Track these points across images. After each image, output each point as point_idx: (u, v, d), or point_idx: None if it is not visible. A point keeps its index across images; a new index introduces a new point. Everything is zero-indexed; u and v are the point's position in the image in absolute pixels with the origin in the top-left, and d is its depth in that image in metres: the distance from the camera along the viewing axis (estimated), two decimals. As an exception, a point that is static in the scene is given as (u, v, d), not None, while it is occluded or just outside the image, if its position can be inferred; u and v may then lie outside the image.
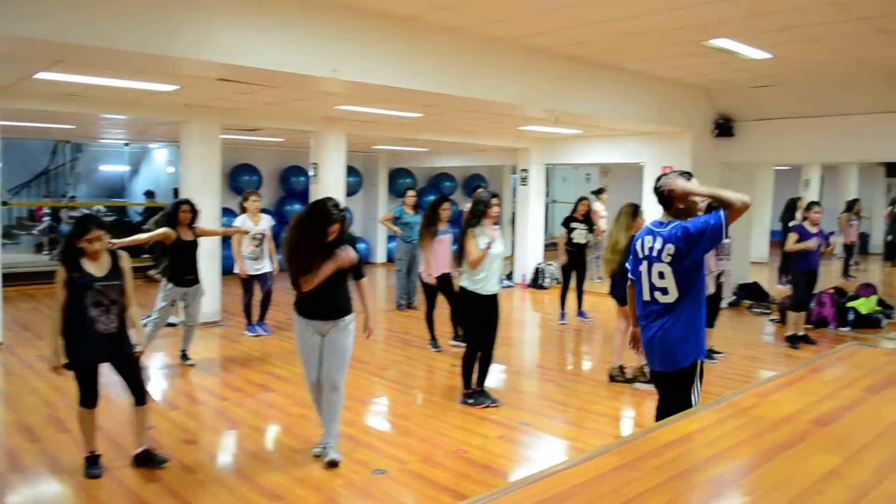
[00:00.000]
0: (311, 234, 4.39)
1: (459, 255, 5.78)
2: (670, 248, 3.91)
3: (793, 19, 6.21)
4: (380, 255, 16.23)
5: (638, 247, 4.12)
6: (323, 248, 4.38)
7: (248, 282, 8.35)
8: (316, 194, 10.46)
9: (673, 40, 7.08)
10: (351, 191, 15.77)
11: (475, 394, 5.90)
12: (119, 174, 16.58)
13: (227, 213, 13.61)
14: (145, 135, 12.28)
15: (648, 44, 7.21)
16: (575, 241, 9.45)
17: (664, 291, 4.02)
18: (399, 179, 16.37)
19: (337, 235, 4.43)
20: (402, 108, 8.83)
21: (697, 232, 3.82)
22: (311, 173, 10.55)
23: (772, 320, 10.01)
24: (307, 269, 4.36)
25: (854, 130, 9.50)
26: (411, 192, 10.04)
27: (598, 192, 13.50)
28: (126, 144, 15.15)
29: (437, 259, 7.67)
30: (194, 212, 6.97)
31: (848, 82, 9.00)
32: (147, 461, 4.56)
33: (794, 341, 8.28)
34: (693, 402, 4.06)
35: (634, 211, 6.53)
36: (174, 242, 6.72)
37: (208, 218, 8.68)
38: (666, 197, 4.04)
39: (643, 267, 4.08)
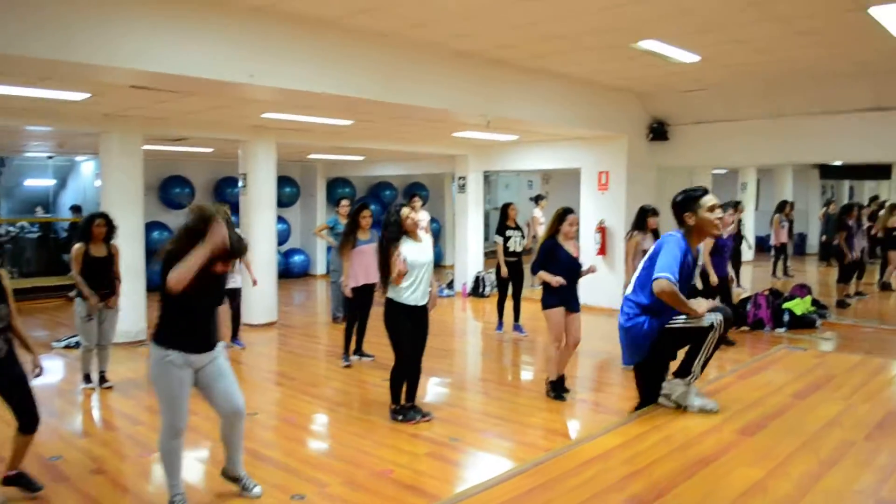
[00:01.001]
0: (192, 239, 3.67)
1: (384, 271, 5.51)
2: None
3: (716, 19, 6.18)
4: (319, 267, 15.92)
5: None
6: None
7: None
8: (246, 206, 10.15)
9: (601, 43, 7.01)
10: (288, 201, 15.48)
11: (405, 409, 5.67)
12: (44, 188, 15.93)
13: (159, 226, 13.19)
14: (67, 147, 11.78)
15: (577, 47, 7.13)
16: (511, 249, 9.14)
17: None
18: (338, 189, 16.08)
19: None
20: (330, 116, 8.60)
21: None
22: (240, 184, 10.22)
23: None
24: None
25: (785, 133, 9.60)
26: (345, 202, 9.79)
27: (536, 199, 13.44)
28: (49, 157, 14.56)
29: (357, 270, 7.37)
30: (110, 226, 6.57)
31: (776, 85, 9.07)
32: (18, 483, 4.24)
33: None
34: None
35: (561, 216, 6.15)
36: (84, 258, 6.37)
37: (131, 234, 8.31)
38: (678, 211, 4.07)
39: None
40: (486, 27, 6.39)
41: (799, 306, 9.55)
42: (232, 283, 7.98)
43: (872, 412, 3.74)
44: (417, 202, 11.55)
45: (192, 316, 3.84)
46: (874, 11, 5.84)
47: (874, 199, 18.04)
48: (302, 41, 6.09)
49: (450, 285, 13.34)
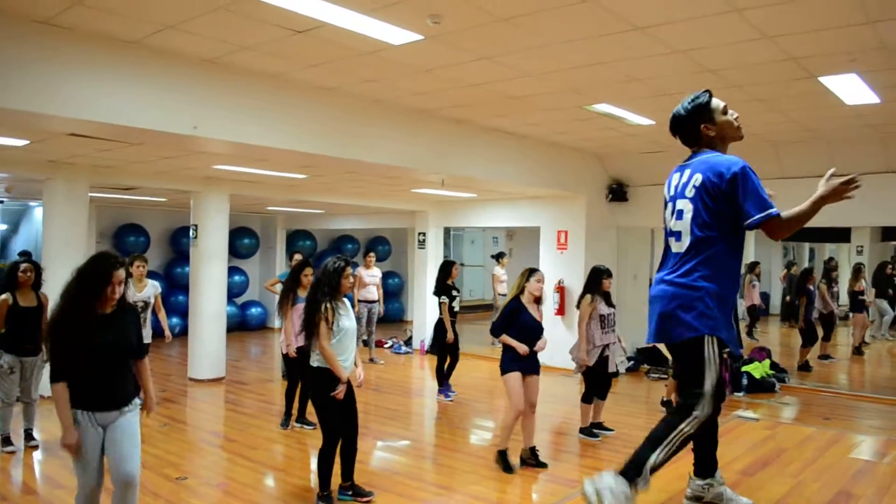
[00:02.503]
0: (85, 293, 3.51)
1: (309, 332, 4.93)
2: (697, 178, 3.33)
3: (667, 86, 6.19)
4: (276, 321, 15.53)
5: (664, 192, 3.62)
6: (97, 317, 3.54)
7: None
8: (196, 257, 9.90)
9: (555, 105, 7.00)
10: (247, 252, 15.24)
11: (332, 496, 5.02)
12: (-7, 233, 15.53)
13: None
14: (14, 192, 11.49)
15: (531, 107, 7.11)
16: (456, 309, 8.82)
17: (678, 236, 3.40)
18: (298, 242, 15.89)
19: (119, 297, 3.63)
20: (282, 169, 8.46)
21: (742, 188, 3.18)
22: (191, 235, 9.97)
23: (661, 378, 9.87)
24: (79, 342, 3.47)
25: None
26: (297, 256, 9.59)
27: (498, 257, 13.34)
28: (0, 202, 14.22)
29: (298, 329, 7.00)
30: (38, 273, 6.24)
31: (733, 149, 9.09)
32: None
33: (669, 406, 8.07)
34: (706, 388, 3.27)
35: (528, 275, 5.96)
36: (10, 308, 6.03)
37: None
38: (692, 126, 3.52)
39: (667, 212, 3.53)
40: (440, 86, 6.34)
41: (758, 370, 9.44)
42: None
43: (822, 492, 3.59)
44: (372, 258, 11.42)
45: (93, 370, 3.54)
46: (825, 80, 5.89)
47: (829, 261, 18.19)
48: (250, 94, 5.98)
49: (408, 342, 13.09)
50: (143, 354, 3.96)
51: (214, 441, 6.93)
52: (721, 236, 3.27)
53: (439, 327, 8.84)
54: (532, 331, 5.87)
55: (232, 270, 14.43)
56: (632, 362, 10.63)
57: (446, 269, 8.92)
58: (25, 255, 13.63)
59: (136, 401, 3.78)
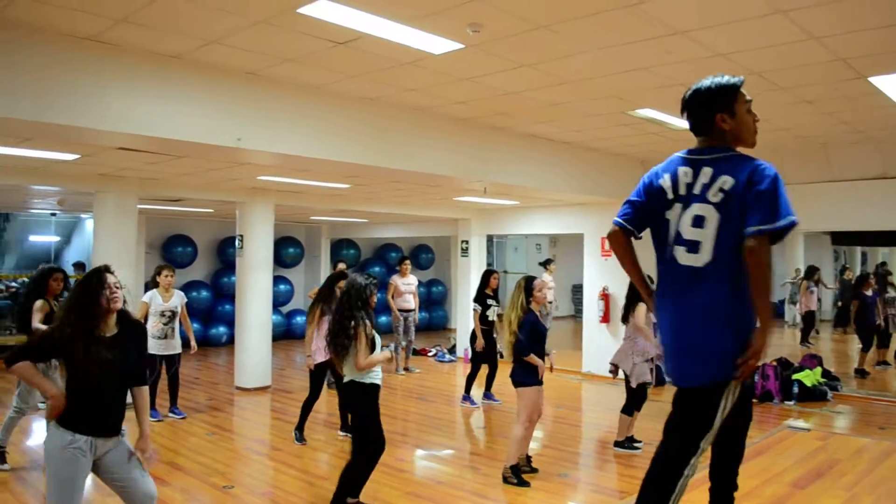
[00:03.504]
0: (83, 308, 3.39)
1: (340, 347, 4.77)
2: (727, 181, 2.79)
3: (713, 89, 6.08)
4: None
5: (666, 186, 3.02)
6: (94, 336, 3.40)
7: (152, 362, 7.72)
8: (242, 267, 10.04)
9: (595, 111, 6.95)
10: (292, 262, 15.41)
11: None
12: (47, 245, 15.94)
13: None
14: (66, 205, 11.79)
15: (571, 114, 7.06)
16: (490, 318, 8.77)
17: (692, 247, 2.85)
18: (342, 251, 16.02)
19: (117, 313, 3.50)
20: (325, 179, 8.54)
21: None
22: (237, 245, 10.12)
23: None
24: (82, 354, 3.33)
25: (792, 200, 9.39)
26: (341, 265, 9.68)
27: (545, 264, 13.27)
28: (53, 214, 14.61)
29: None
30: (67, 282, 6.38)
31: (780, 152, 8.94)
32: None
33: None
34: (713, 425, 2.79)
35: (528, 286, 5.84)
36: (48, 314, 6.12)
37: (125, 294, 8.14)
38: (707, 111, 2.98)
39: (671, 213, 2.97)
40: (480, 94, 6.33)
41: (809, 378, 9.21)
42: (170, 350, 7.79)
43: (874, 506, 3.47)
44: (407, 266, 11.38)
45: (90, 398, 3.38)
46: (875, 80, 5.74)
47: (882, 265, 17.71)
48: (292, 106, 6.05)
49: (451, 350, 13.08)
50: (145, 381, 3.72)
51: (260, 450, 7.00)
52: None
53: (473, 335, 8.85)
54: (544, 337, 5.87)
55: (277, 279, 14.59)
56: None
57: (485, 278, 8.93)
58: (80, 266, 14.02)
59: (124, 429, 3.58)
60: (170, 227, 13.85)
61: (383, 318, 14.59)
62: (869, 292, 10.91)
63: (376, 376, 4.90)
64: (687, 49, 5.02)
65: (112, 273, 3.57)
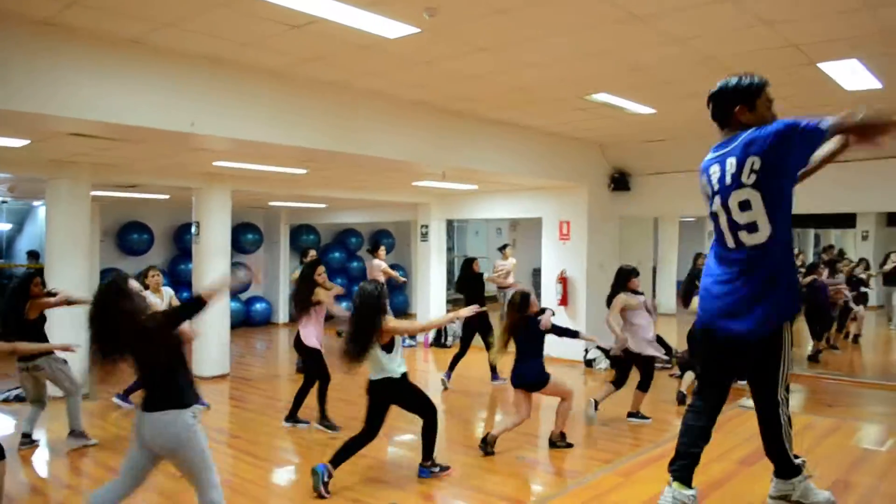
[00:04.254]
0: None
1: (361, 354, 5.18)
2: (754, 161, 3.06)
3: (668, 75, 6.17)
4: (281, 315, 15.63)
5: (705, 183, 3.36)
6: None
7: None
8: (199, 254, 9.92)
9: (555, 95, 6.98)
10: (251, 248, 15.25)
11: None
12: (-2, 233, 15.60)
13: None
14: (17, 192, 11.51)
15: (531, 98, 7.09)
16: None
17: (750, 228, 3.13)
18: (302, 236, 15.91)
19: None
20: (282, 164, 8.46)
21: (789, 127, 2.97)
22: (193, 232, 10.00)
23: (671, 375, 9.84)
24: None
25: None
26: (312, 252, 9.67)
27: (501, 248, 13.34)
28: (4, 202, 14.26)
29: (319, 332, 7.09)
30: (44, 285, 6.36)
31: (735, 137, 9.07)
32: None
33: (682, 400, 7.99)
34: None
35: (523, 302, 6.19)
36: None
37: (80, 282, 8.03)
38: (728, 104, 3.24)
39: (716, 205, 3.26)
40: (438, 78, 6.32)
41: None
42: None
43: (819, 481, 3.57)
44: (382, 251, 11.49)
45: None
46: (823, 66, 5.86)
47: (826, 249, 18.07)
48: (247, 90, 5.98)
49: (412, 336, 13.10)
50: None
51: (219, 438, 6.93)
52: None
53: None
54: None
55: (236, 266, 14.47)
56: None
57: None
58: (34, 255, 13.72)
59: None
60: (125, 214, 13.60)
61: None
62: (819, 278, 11.15)
63: (403, 365, 5.37)
64: (644, 35, 5.08)
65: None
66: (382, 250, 11.68)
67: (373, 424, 5.29)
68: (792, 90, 6.73)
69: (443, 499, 5.13)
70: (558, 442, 6.23)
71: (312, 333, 6.97)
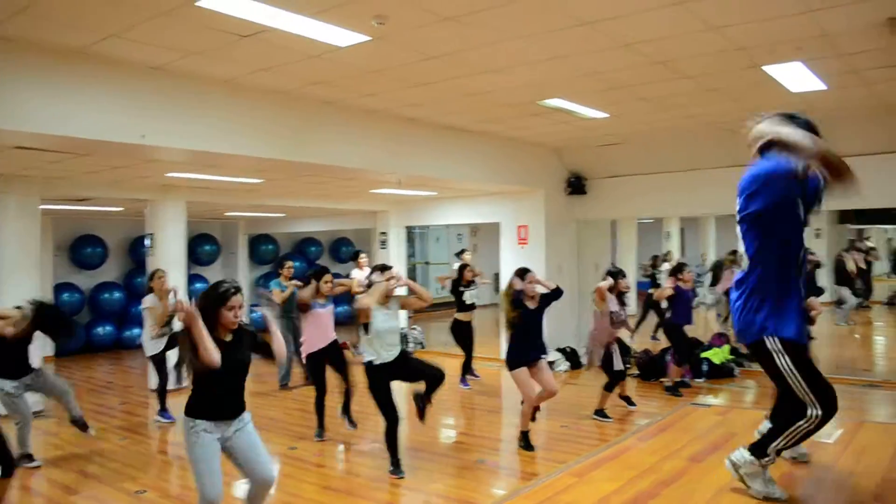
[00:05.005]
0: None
1: None
2: (738, 201, 3.51)
3: (620, 79, 6.26)
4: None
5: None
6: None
7: (159, 363, 7.71)
8: (153, 266, 9.75)
9: (508, 101, 7.04)
10: (208, 259, 15.09)
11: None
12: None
13: (69, 288, 12.67)
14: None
15: (484, 104, 7.14)
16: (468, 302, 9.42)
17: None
18: (260, 246, 15.78)
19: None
20: (236, 174, 8.39)
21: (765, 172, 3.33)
22: (146, 244, 9.86)
23: (630, 375, 9.95)
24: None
25: (701, 184, 9.73)
26: (289, 264, 9.55)
27: (458, 255, 13.37)
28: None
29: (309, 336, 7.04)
30: None
31: (689, 138, 9.24)
32: None
33: (674, 390, 8.45)
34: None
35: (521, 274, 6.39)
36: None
37: (32, 298, 7.83)
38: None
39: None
40: (391, 86, 6.34)
41: (717, 356, 9.57)
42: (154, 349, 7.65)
43: (771, 471, 3.65)
44: (364, 258, 11.46)
45: (217, 388, 3.79)
46: (768, 69, 6.00)
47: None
48: (199, 100, 5.94)
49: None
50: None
51: (176, 452, 6.85)
52: None
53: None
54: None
55: (193, 278, 14.29)
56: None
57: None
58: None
59: (247, 415, 3.97)
60: (78, 228, 13.34)
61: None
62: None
63: (376, 353, 5.57)
64: (594, 40, 5.14)
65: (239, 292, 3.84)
66: (363, 258, 11.57)
67: (384, 411, 5.56)
68: (741, 92, 6.87)
69: (402, 505, 5.14)
70: (520, 443, 6.30)
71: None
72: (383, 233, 13.08)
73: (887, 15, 4.67)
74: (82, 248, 13.28)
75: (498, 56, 5.50)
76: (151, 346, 7.66)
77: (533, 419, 6.44)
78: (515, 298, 6.26)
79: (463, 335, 9.39)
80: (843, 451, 4.10)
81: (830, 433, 4.51)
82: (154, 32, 4.75)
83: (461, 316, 9.36)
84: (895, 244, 21.53)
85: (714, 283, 15.19)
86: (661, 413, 6.50)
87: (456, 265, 12.64)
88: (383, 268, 6.41)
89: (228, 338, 3.83)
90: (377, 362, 5.55)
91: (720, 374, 9.35)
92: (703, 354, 9.51)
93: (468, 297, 9.40)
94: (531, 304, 6.28)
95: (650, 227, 18.29)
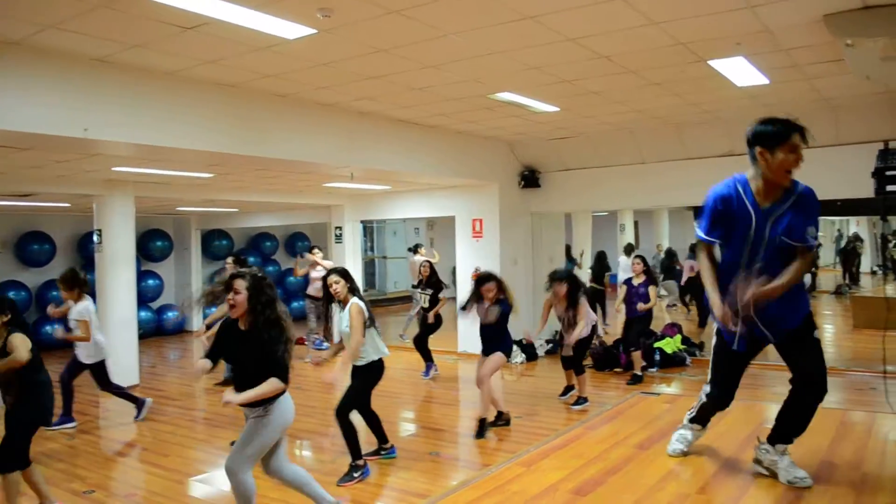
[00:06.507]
0: None
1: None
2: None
3: (566, 73, 6.30)
4: (195, 323, 15.20)
5: None
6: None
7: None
8: (102, 263, 9.60)
9: (458, 94, 7.04)
10: (160, 255, 14.85)
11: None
12: None
13: (15, 286, 12.35)
14: None
15: (435, 98, 7.14)
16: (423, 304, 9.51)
17: None
18: (214, 242, 15.56)
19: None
20: (185, 169, 8.27)
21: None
22: (95, 240, 9.67)
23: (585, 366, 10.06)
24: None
25: (651, 178, 9.89)
26: (229, 260, 9.44)
27: (413, 249, 13.38)
28: None
29: None
30: None
31: (639, 132, 9.36)
32: None
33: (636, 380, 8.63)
34: None
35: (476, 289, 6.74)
36: None
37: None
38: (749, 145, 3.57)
39: None
40: (340, 79, 6.30)
41: (669, 345, 9.73)
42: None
43: (710, 462, 3.73)
44: (317, 253, 11.41)
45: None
46: (714, 64, 6.09)
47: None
48: (144, 93, 5.83)
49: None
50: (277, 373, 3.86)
51: (126, 451, 6.75)
52: None
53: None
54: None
55: (145, 274, 14.07)
56: (550, 345, 10.80)
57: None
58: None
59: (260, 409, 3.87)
60: (24, 224, 13.00)
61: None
62: (677, 267, 11.63)
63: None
64: (538, 34, 5.16)
65: (242, 278, 3.83)
66: (316, 253, 11.59)
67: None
68: (687, 87, 6.98)
69: (354, 498, 5.13)
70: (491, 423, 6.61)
71: None
72: (338, 227, 13.01)
73: (824, 12, 4.78)
74: (28, 245, 12.95)
75: (443, 50, 5.49)
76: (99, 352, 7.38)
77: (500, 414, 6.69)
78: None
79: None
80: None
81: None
82: (93, 24, 4.64)
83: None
84: (843, 236, 22.11)
85: (667, 274, 15.48)
86: (609, 402, 6.60)
87: (414, 256, 12.67)
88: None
89: (243, 327, 3.87)
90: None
91: (672, 363, 9.50)
92: (656, 344, 9.65)
93: (421, 298, 9.46)
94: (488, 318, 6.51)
95: (605, 219, 18.48)
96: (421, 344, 9.43)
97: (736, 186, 3.48)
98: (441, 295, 9.44)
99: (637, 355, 8.84)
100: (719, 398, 3.68)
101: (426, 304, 9.40)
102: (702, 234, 3.42)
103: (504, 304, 6.56)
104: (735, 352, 3.55)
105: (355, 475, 5.36)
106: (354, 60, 5.71)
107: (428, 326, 9.42)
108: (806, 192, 3.46)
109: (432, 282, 9.56)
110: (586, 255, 15.76)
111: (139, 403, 7.64)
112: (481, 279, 6.74)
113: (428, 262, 9.86)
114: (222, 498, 5.36)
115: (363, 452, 5.57)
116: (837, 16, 4.82)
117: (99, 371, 7.39)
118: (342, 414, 5.43)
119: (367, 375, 5.56)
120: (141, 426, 7.61)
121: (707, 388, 3.73)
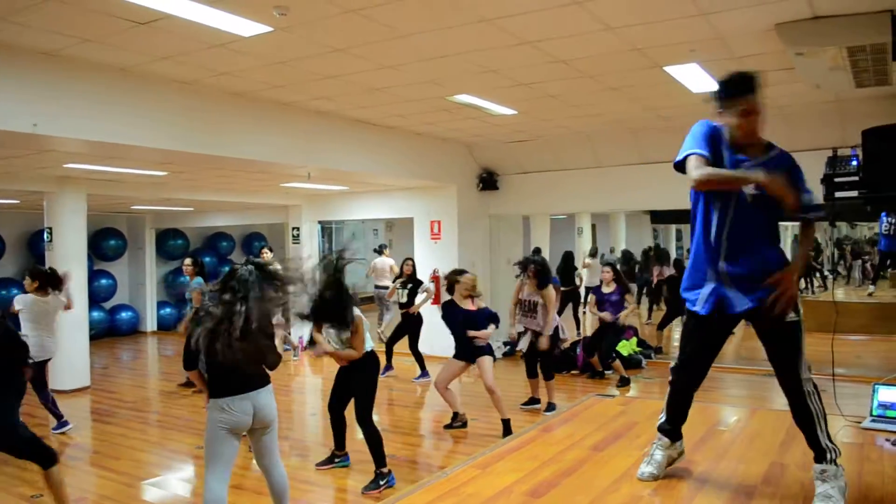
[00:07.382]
0: None
1: None
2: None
3: (523, 77, 6.34)
4: (149, 324, 14.98)
5: None
6: None
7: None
8: (53, 262, 9.34)
9: (416, 96, 7.04)
10: (114, 255, 14.55)
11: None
12: None
13: (-40, 285, 12.03)
14: None
15: (393, 98, 7.12)
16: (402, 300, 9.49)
17: None
18: (169, 241, 15.30)
19: None
20: (139, 166, 8.12)
21: None
22: (45, 238, 9.44)
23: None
24: None
25: (608, 182, 9.99)
26: (188, 260, 9.25)
27: (379, 250, 13.32)
28: None
29: None
30: None
31: (596, 137, 9.46)
32: None
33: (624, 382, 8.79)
34: None
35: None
36: None
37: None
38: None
39: None
40: (297, 78, 6.26)
41: (625, 348, 9.83)
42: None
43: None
44: (267, 254, 11.21)
45: None
46: (669, 70, 6.17)
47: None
48: (96, 89, 5.72)
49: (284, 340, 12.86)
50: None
51: (76, 454, 6.60)
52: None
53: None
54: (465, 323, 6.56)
55: (98, 274, 13.78)
56: (508, 347, 10.83)
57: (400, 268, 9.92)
58: None
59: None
60: (-30, 222, 12.69)
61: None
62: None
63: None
64: (495, 37, 5.19)
65: None
66: (266, 254, 11.39)
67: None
68: (644, 92, 7.07)
69: (306, 501, 5.08)
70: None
71: None
72: (296, 227, 12.91)
73: (776, 21, 4.88)
74: (-25, 243, 12.61)
75: (399, 51, 5.49)
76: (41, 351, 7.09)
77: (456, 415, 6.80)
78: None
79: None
80: (735, 437, 4.27)
81: (722, 422, 4.70)
82: (43, 16, 4.54)
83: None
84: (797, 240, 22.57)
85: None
86: (563, 405, 6.65)
87: (377, 259, 12.59)
88: None
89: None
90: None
91: (628, 365, 9.59)
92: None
93: (400, 294, 9.55)
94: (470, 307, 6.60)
95: (563, 222, 18.59)
96: (414, 350, 9.45)
97: (718, 129, 3.16)
98: (421, 290, 9.51)
99: (617, 364, 8.93)
100: (680, 371, 3.34)
101: (404, 300, 9.40)
102: (697, 150, 3.03)
103: (487, 311, 6.66)
104: (702, 318, 3.17)
105: (381, 483, 5.24)
106: (311, 59, 5.67)
107: (413, 329, 9.44)
108: (785, 154, 3.20)
109: (414, 279, 9.58)
110: (545, 255, 15.82)
111: (61, 422, 7.33)
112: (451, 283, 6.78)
113: (411, 259, 9.81)
114: (175, 501, 5.28)
115: (320, 460, 5.54)
116: (789, 25, 4.92)
117: (37, 371, 7.15)
118: (365, 421, 5.30)
119: (368, 368, 5.48)
120: (93, 428, 7.46)
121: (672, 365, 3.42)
